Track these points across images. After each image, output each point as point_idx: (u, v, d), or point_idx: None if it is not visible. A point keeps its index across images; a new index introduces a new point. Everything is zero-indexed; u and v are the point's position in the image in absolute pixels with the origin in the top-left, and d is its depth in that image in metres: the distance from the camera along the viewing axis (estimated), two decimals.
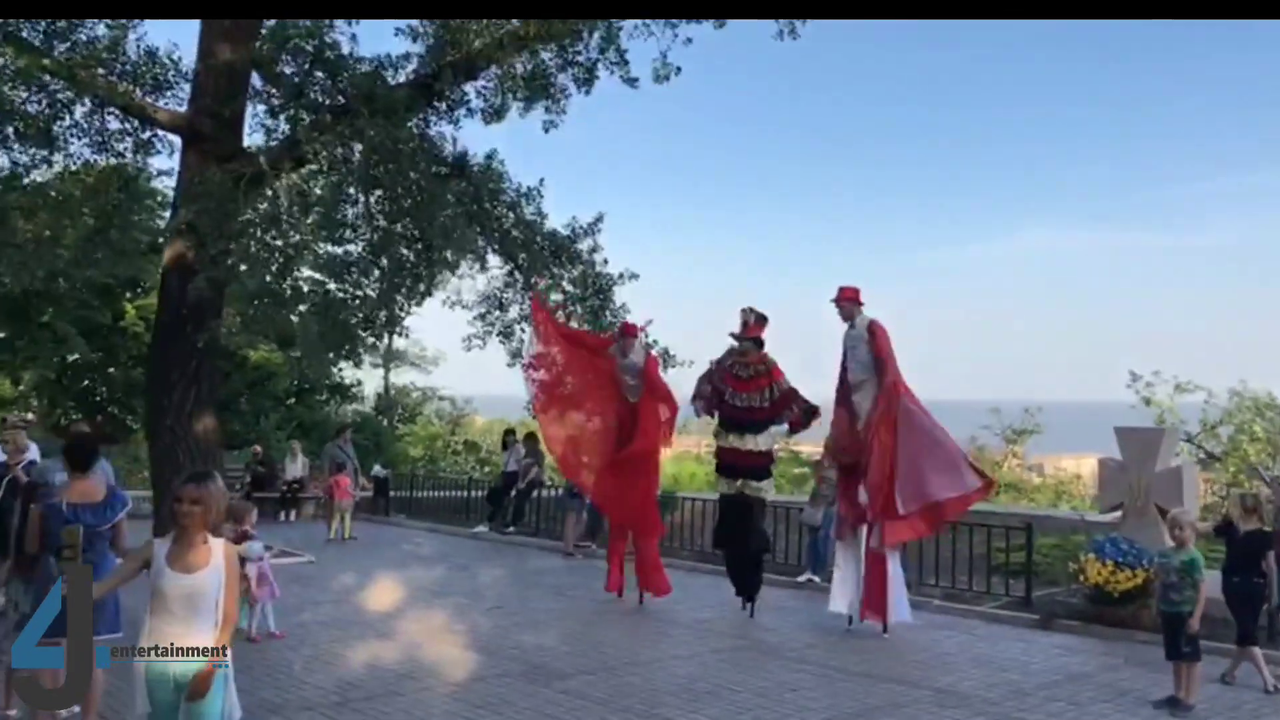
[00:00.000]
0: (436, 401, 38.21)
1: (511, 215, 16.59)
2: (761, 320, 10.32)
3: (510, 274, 17.23)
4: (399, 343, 38.06)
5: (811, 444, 20.61)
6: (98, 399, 28.87)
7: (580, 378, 11.38)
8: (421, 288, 13.06)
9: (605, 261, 16.98)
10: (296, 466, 19.73)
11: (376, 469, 20.74)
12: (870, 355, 9.57)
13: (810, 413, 10.26)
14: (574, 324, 15.68)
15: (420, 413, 36.84)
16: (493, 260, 18.33)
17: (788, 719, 6.92)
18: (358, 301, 12.19)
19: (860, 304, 9.78)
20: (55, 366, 26.88)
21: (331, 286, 12.61)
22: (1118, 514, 11.44)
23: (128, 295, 26.36)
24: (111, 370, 27.73)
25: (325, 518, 17.11)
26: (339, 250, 12.55)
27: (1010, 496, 26.32)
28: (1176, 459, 12.69)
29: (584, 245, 16.83)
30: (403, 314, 13.07)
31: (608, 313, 17.29)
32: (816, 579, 12.20)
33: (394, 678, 7.73)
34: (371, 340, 13.50)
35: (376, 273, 12.27)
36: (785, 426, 10.44)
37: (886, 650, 9.07)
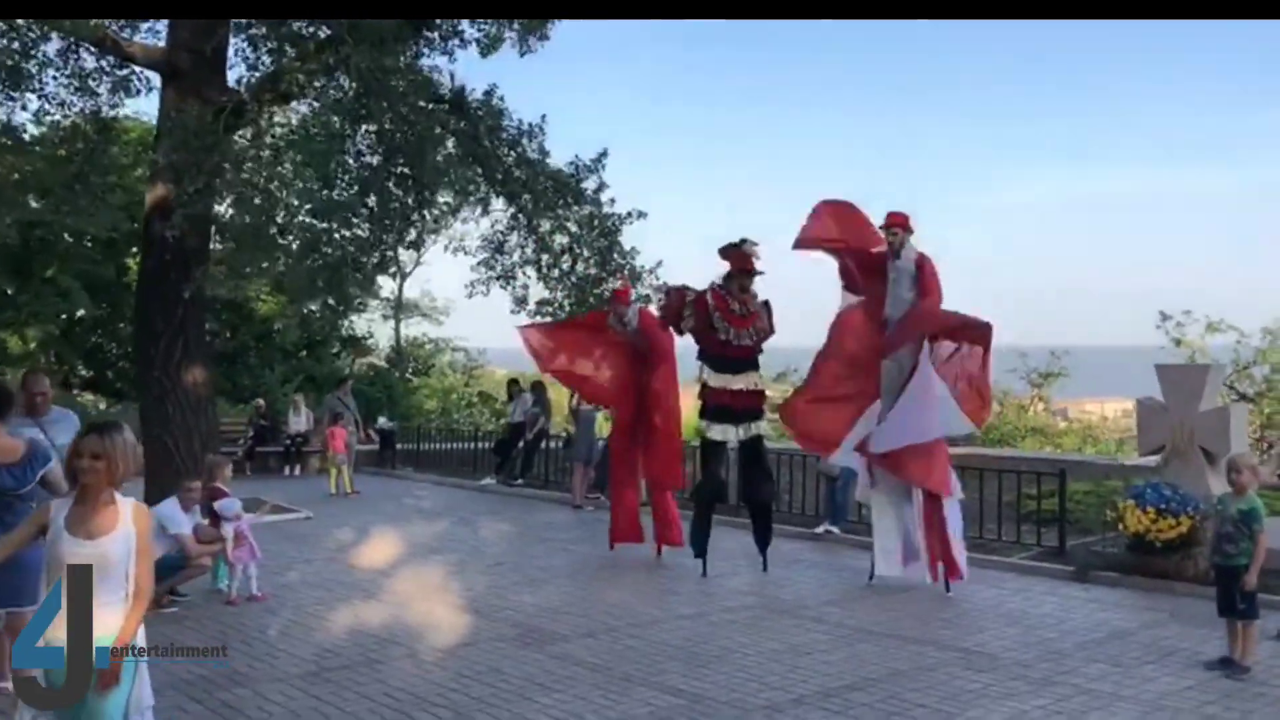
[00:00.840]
0: (450, 353, 37.63)
1: (513, 154, 15.84)
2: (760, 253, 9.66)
3: (514, 216, 16.52)
4: (410, 292, 37.52)
5: None
6: (106, 355, 28.50)
7: (589, 351, 11.21)
8: (414, 231, 12.37)
9: (613, 201, 16.26)
10: (301, 420, 19.19)
11: (381, 421, 20.19)
12: (916, 292, 8.74)
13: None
14: (580, 268, 15.01)
15: (434, 364, 36.27)
16: (495, 203, 17.70)
17: (801, 685, 6.29)
18: (345, 242, 11.50)
19: (910, 231, 8.85)
20: (61, 323, 26.44)
21: (318, 226, 11.92)
22: (1157, 458, 10.71)
23: (133, 250, 25.82)
24: (121, 325, 27.26)
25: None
26: (326, 191, 11.83)
27: (1037, 441, 25.58)
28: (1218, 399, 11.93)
29: (589, 184, 16.14)
30: (393, 257, 12.36)
31: (615, 255, 16.58)
32: (835, 530, 11.56)
33: (377, 644, 7.16)
34: (359, 285, 12.70)
35: (365, 213, 11.57)
36: None
37: (910, 608, 8.43)
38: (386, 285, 36.46)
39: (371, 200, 12.04)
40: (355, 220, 11.53)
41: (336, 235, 11.51)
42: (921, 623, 7.92)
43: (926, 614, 8.21)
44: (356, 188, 11.62)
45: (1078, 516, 11.36)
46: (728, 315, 9.46)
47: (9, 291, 28.37)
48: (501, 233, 17.05)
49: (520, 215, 15.95)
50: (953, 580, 8.79)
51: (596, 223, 16.41)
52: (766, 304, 9.69)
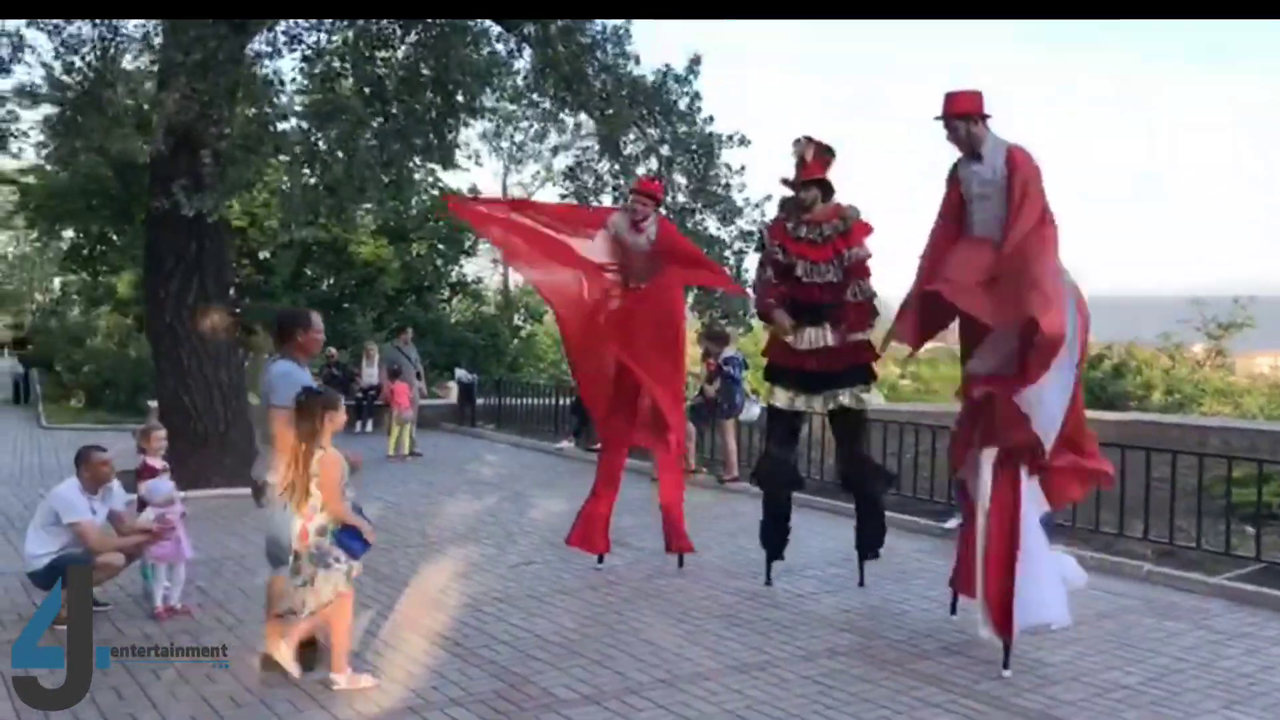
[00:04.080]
0: None
1: (596, 62, 13.49)
2: (824, 153, 6.84)
3: (598, 133, 14.22)
4: None
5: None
6: None
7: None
8: (439, 140, 10.16)
9: (710, 119, 13.78)
10: (374, 371, 17.45)
11: (460, 373, 18.31)
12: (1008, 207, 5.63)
13: (870, 307, 6.87)
14: (668, 198, 12.67)
15: (546, 311, 34.45)
16: (570, 120, 15.39)
17: None
18: (350, 156, 9.37)
19: (986, 118, 5.74)
20: None
21: (314, 136, 9.81)
22: None
23: None
24: None
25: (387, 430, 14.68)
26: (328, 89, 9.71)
27: (1224, 405, 21.96)
28: None
29: (679, 98, 13.66)
30: (411, 177, 10.20)
31: (711, 183, 14.13)
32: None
33: (288, 708, 5.03)
34: (378, 198, 10.57)
35: (377, 123, 9.42)
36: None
37: (1085, 650, 5.85)
38: None
39: (394, 109, 9.89)
40: (362, 131, 9.38)
41: (338, 149, 9.40)
42: (1111, 698, 5.34)
43: (1105, 664, 5.61)
44: (364, 90, 9.48)
45: None
46: (792, 243, 6.91)
47: (113, 236, 27.84)
48: (580, 153, 14.82)
49: (601, 128, 13.68)
50: (1005, 634, 5.56)
51: (691, 143, 14.00)
52: (846, 214, 6.83)
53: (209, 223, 10.66)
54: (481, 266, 34.55)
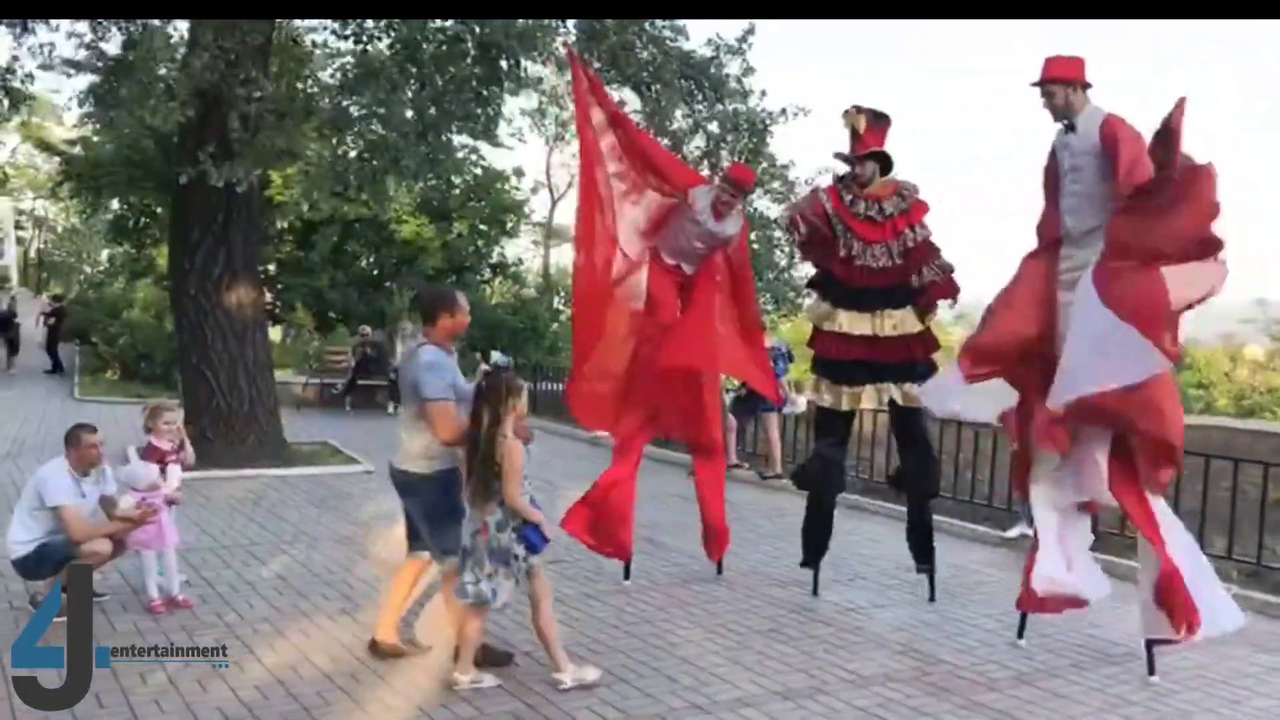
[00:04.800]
0: None
1: (645, 34, 12.91)
2: (879, 121, 6.23)
3: (643, 110, 13.66)
4: (560, 217, 35.17)
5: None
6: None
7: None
8: (482, 113, 9.60)
9: (763, 94, 13.18)
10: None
11: (495, 355, 17.80)
12: (1104, 181, 5.10)
13: (952, 282, 6.30)
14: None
15: None
16: (617, 94, 14.81)
17: None
18: (383, 129, 8.83)
19: (1087, 86, 5.26)
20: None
21: (349, 102, 9.29)
22: None
23: None
24: None
25: None
26: (356, 52, 9.17)
27: None
28: None
29: (731, 70, 13.05)
30: (446, 155, 9.67)
31: (762, 160, 13.52)
32: (1031, 533, 8.31)
33: None
34: (409, 174, 10.00)
35: (413, 89, 8.87)
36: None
37: (1171, 688, 5.21)
38: (540, 210, 34.36)
39: (437, 79, 9.32)
40: (395, 98, 8.82)
41: (374, 118, 8.87)
42: None
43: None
44: (402, 54, 8.92)
45: None
46: (851, 219, 6.28)
47: (156, 208, 27.67)
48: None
49: (648, 107, 13.10)
50: (1183, 637, 5.16)
51: (742, 121, 13.40)
52: (907, 191, 6.28)
53: (239, 193, 10.23)
54: (523, 248, 34.15)
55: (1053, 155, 5.42)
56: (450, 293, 5.25)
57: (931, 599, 6.68)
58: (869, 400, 6.38)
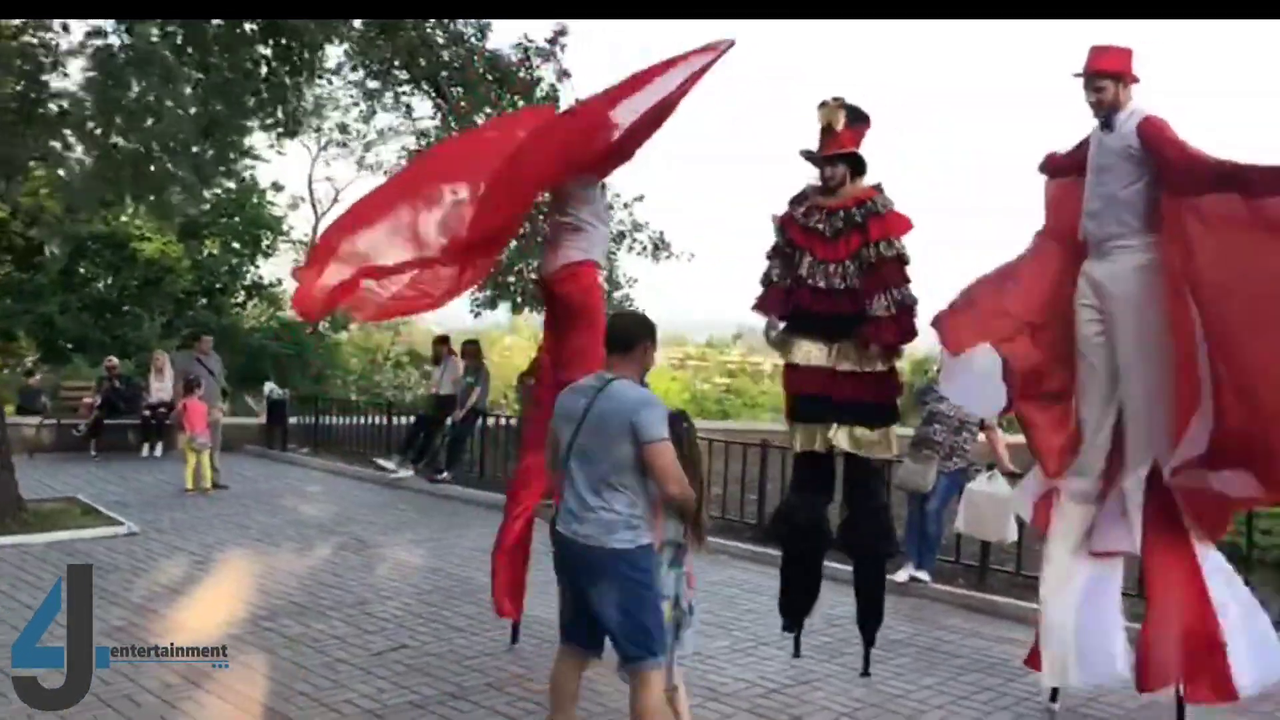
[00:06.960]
0: None
1: (442, 34, 11.83)
2: (858, 121, 5.33)
3: (440, 111, 12.52)
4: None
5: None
6: None
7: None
8: (280, 109, 8.14)
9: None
10: (164, 385, 14.81)
11: (269, 388, 15.89)
12: (1145, 189, 4.53)
13: (904, 321, 5.26)
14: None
15: (351, 320, 31.83)
16: (414, 99, 13.63)
17: None
18: (153, 127, 7.23)
19: (1134, 80, 4.66)
20: None
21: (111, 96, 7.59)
22: None
23: None
24: None
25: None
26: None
27: None
28: None
29: (543, 73, 12.11)
30: (236, 155, 8.20)
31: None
32: (925, 578, 7.72)
33: None
34: (188, 187, 8.36)
35: (194, 81, 7.31)
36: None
37: None
38: (300, 227, 32.03)
39: (216, 58, 7.78)
40: (175, 87, 7.24)
41: (147, 113, 7.22)
42: None
43: None
44: (179, 35, 7.31)
45: None
46: (805, 237, 5.41)
47: None
48: (415, 137, 13.17)
49: (451, 113, 12.01)
50: (1216, 702, 4.59)
51: None
52: (874, 202, 5.27)
53: None
54: (281, 267, 31.60)
55: (1085, 144, 4.85)
56: (650, 320, 4.32)
57: (865, 672, 5.76)
58: (818, 440, 5.41)
